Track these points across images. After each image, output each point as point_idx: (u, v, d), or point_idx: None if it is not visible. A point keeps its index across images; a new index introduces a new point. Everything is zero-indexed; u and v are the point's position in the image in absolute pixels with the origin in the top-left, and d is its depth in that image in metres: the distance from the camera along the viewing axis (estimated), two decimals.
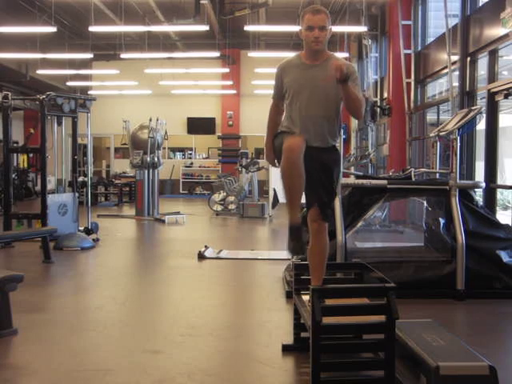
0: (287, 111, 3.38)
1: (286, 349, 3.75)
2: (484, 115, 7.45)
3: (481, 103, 7.95)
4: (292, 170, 3.05)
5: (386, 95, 12.73)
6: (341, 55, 14.79)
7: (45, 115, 8.29)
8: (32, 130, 12.57)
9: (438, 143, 6.09)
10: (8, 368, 3.57)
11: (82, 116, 9.01)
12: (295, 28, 14.15)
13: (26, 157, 16.44)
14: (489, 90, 7.60)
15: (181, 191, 20.12)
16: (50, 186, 10.03)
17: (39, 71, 15.67)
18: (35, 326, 4.30)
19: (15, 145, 13.81)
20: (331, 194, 3.43)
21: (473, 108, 5.93)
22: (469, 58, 8.34)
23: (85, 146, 13.42)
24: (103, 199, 16.69)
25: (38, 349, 3.44)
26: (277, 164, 3.45)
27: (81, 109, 8.88)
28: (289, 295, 5.06)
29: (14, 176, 13.38)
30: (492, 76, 7.66)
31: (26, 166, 16.63)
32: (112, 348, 3.92)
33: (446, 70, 9.15)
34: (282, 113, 3.53)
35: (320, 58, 3.28)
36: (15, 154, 14.87)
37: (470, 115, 5.62)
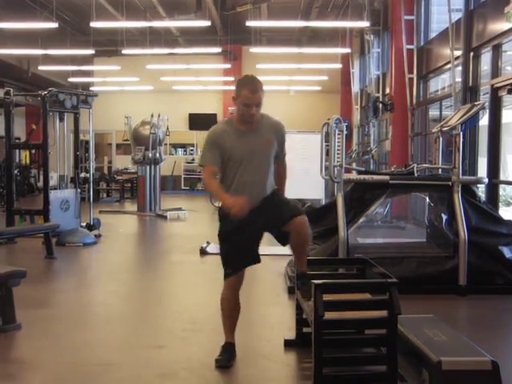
0: (227, 180, 3.36)
1: (288, 344, 3.76)
2: (487, 111, 7.43)
3: (484, 98, 7.92)
4: (231, 304, 3.48)
5: (388, 91, 12.70)
6: (342, 51, 14.83)
7: (47, 111, 8.29)
8: (34, 126, 12.56)
9: (441, 139, 6.08)
10: (12, 362, 3.59)
11: (84, 112, 9.00)
12: (297, 24, 14.14)
13: (28, 153, 16.43)
14: (492, 86, 7.57)
15: (182, 187, 20.12)
16: (52, 182, 10.03)
17: (41, 67, 15.66)
18: (39, 321, 4.32)
19: (17, 141, 13.81)
20: (286, 202, 3.48)
21: (476, 103, 5.92)
22: (472, 53, 8.31)
23: (87, 142, 13.40)
24: (105, 195, 16.70)
25: (42, 343, 3.46)
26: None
27: (83, 105, 8.87)
28: (291, 290, 5.06)
29: (16, 172, 13.37)
30: (495, 71, 7.63)
31: (28, 162, 16.63)
32: (115, 343, 3.94)
33: (448, 66, 9.12)
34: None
35: (254, 123, 3.35)
36: (17, 150, 14.85)
37: (472, 111, 5.61)
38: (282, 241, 3.50)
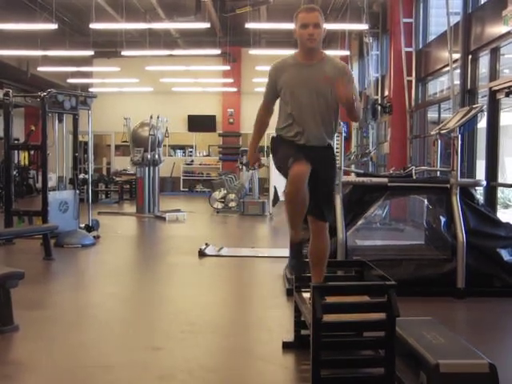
0: (283, 110, 3.36)
1: (287, 346, 3.76)
2: (485, 113, 7.44)
3: (482, 101, 7.94)
4: (297, 198, 3.14)
5: (386, 93, 12.72)
6: (341, 53, 14.85)
7: (46, 112, 8.29)
8: (33, 128, 12.55)
9: (439, 141, 6.09)
10: (9, 364, 3.58)
11: (83, 113, 9.00)
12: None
13: (26, 154, 16.40)
14: (490, 88, 7.59)
15: (181, 189, 20.11)
16: (51, 183, 10.02)
17: (40, 68, 15.66)
18: (36, 323, 4.31)
19: (16, 142, 13.81)
20: (330, 194, 3.45)
21: (474, 106, 5.93)
22: (470, 56, 8.33)
23: (85, 144, 13.40)
24: (104, 196, 16.68)
25: (39, 345, 3.45)
26: (256, 167, 3.56)
27: (82, 106, 8.87)
28: (289, 293, 5.06)
29: (15, 173, 13.36)
30: (493, 74, 7.65)
31: (26, 163, 16.61)
32: (113, 345, 3.93)
33: (447, 68, 9.14)
34: (271, 114, 3.54)
35: (315, 57, 3.27)
36: (16, 151, 14.85)
37: (471, 113, 5.62)
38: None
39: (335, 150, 3.61)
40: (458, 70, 8.56)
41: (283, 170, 3.27)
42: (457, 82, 8.62)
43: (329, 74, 3.18)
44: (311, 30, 3.17)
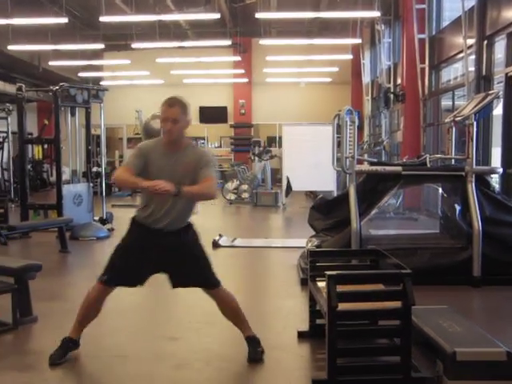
0: (145, 197, 3.38)
1: (302, 335, 3.77)
2: (501, 100, 7.35)
3: (498, 87, 7.84)
4: (87, 311, 3.41)
5: (399, 81, 12.60)
6: (353, 42, 14.72)
7: (58, 106, 8.34)
8: (46, 122, 12.62)
9: (454, 129, 6.02)
10: (30, 354, 3.64)
11: (95, 107, 9.03)
12: (307, 15, 14.04)
13: (40, 148, 16.55)
14: (506, 74, 7.48)
15: None
16: (65, 176, 10.09)
17: (51, 63, 15.73)
18: (54, 314, 4.37)
19: (30, 136, 13.91)
20: (205, 266, 3.46)
21: (490, 92, 5.85)
22: (485, 41, 8.21)
23: (98, 137, 13.45)
24: (117, 189, 16.77)
25: (58, 335, 3.49)
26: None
27: (94, 99, 8.90)
28: (303, 282, 5.07)
29: (29, 167, 13.48)
30: (510, 59, 7.53)
31: (40, 157, 16.75)
32: (129, 335, 3.97)
33: (461, 55, 9.02)
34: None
35: (176, 147, 3.33)
36: (30, 146, 14.97)
37: (486, 100, 5.55)
38: (174, 284, 3.47)
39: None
40: (473, 56, 8.44)
41: (116, 252, 3.45)
42: (471, 68, 8.50)
43: (188, 161, 3.29)
44: (169, 126, 3.24)
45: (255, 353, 3.43)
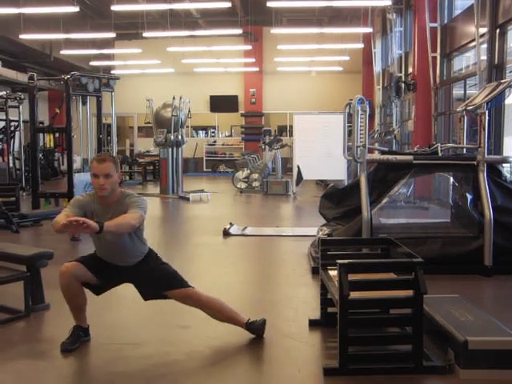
0: (95, 239, 3.49)
1: (313, 324, 3.78)
2: None
3: (510, 76, 7.76)
4: (66, 293, 3.41)
5: (410, 70, 12.50)
6: (364, 31, 14.59)
7: (70, 95, 8.36)
8: (57, 110, 12.67)
9: (465, 118, 5.98)
10: (43, 341, 3.68)
11: (106, 95, 9.05)
12: (318, 3, 13.94)
13: (51, 137, 16.63)
14: None
15: (204, 169, 20.21)
16: (76, 165, 10.17)
17: (63, 51, 15.75)
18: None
19: (41, 125, 13.98)
20: (166, 272, 3.56)
21: (502, 81, 5.78)
22: (498, 30, 8.12)
23: (109, 126, 13.50)
24: (128, 178, 16.86)
25: (70, 323, 3.52)
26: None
27: (105, 88, 8.93)
28: (314, 271, 5.08)
29: (40, 156, 13.57)
30: None
31: (52, 145, 16.84)
32: (141, 323, 4.01)
33: (473, 43, 8.93)
34: None
35: (110, 201, 3.39)
36: (41, 134, 15.06)
37: (498, 89, 5.49)
38: (145, 296, 3.62)
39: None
40: (485, 45, 8.35)
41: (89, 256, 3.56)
42: (483, 57, 8.42)
43: (124, 210, 3.31)
44: (101, 181, 3.30)
45: (257, 329, 3.57)
